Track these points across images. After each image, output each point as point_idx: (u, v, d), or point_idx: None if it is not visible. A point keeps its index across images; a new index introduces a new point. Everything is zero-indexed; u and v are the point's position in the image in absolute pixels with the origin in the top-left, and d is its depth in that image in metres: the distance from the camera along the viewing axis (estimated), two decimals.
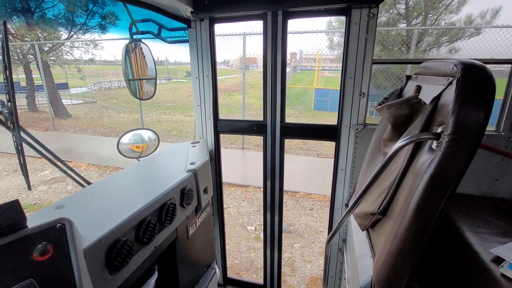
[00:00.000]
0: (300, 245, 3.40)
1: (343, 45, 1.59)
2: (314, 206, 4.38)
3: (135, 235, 0.96)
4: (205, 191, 1.54)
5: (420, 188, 0.68)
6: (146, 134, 2.01)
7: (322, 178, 5.29)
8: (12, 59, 11.35)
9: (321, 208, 4.31)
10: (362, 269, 1.09)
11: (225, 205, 4.37)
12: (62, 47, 11.25)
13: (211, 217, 1.71)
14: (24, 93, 12.65)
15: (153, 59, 1.97)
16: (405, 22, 8.60)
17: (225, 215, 4.06)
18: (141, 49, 1.92)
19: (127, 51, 1.80)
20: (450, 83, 0.72)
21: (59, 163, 1.39)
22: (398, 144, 0.76)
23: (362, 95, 1.61)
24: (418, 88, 1.20)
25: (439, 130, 0.72)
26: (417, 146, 0.85)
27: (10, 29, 10.16)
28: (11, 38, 10.40)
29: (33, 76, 11.78)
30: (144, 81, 2.00)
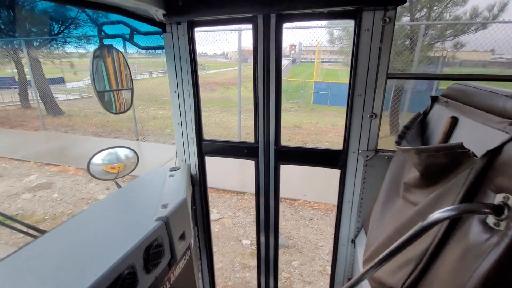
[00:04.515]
0: (299, 263, 3.15)
1: (351, 54, 1.29)
2: (314, 215, 4.12)
3: None
4: (182, 237, 1.27)
5: (481, 273, 0.52)
6: (123, 153, 1.76)
7: (323, 185, 5.01)
8: (3, 54, 11.02)
9: (322, 218, 4.05)
10: None
11: (219, 216, 4.11)
12: (54, 41, 10.88)
13: (191, 263, 1.44)
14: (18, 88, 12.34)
15: (128, 66, 1.69)
16: (408, 15, 8.19)
17: (219, 227, 3.81)
18: (114, 56, 1.63)
19: (98, 58, 1.51)
20: None
21: None
22: (438, 214, 0.57)
23: (373, 116, 1.32)
24: (454, 121, 0.91)
25: (499, 199, 0.55)
26: None
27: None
28: None
29: (26, 70, 11.39)
30: (123, 91, 1.75)
